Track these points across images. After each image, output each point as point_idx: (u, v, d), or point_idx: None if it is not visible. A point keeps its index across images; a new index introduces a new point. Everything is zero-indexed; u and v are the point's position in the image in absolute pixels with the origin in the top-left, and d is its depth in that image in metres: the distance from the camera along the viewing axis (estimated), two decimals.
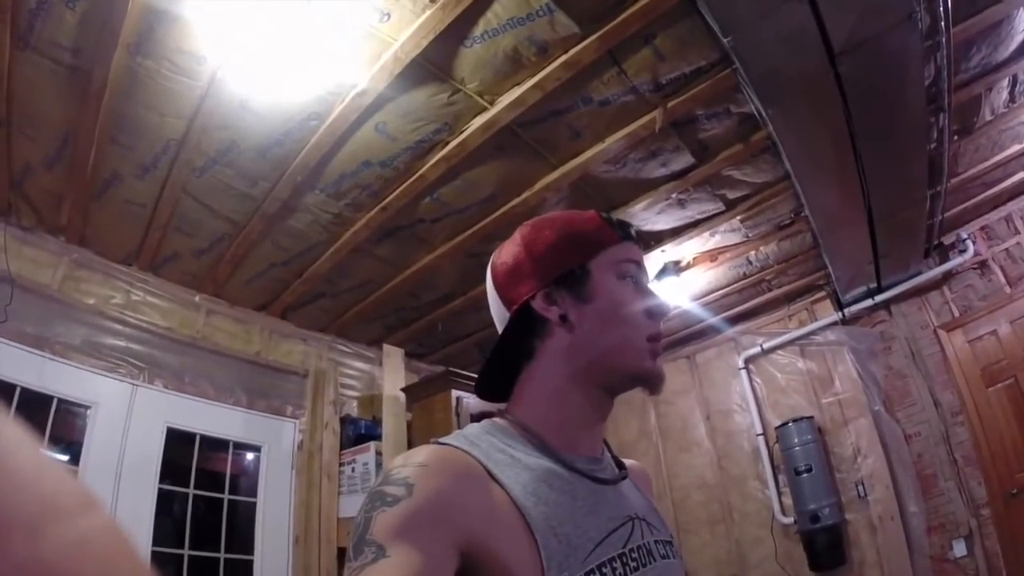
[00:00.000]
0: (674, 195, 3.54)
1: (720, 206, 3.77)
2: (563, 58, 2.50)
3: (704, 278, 4.61)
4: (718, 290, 4.87)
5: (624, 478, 0.92)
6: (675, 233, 3.94)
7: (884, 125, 2.82)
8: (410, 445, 4.06)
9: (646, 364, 0.89)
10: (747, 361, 5.24)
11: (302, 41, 2.28)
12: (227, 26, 2.20)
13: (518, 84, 2.62)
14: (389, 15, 2.23)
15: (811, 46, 2.33)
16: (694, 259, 4.32)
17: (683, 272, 4.38)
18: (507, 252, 0.96)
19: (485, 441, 0.83)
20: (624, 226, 0.97)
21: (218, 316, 3.87)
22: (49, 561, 0.24)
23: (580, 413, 0.90)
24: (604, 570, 0.75)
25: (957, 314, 4.83)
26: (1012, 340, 4.65)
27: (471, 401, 4.06)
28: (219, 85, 2.42)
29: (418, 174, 2.98)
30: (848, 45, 2.38)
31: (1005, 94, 3.77)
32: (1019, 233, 4.80)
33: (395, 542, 0.65)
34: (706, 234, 4.01)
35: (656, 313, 0.92)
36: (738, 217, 3.89)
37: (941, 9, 2.81)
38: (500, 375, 0.95)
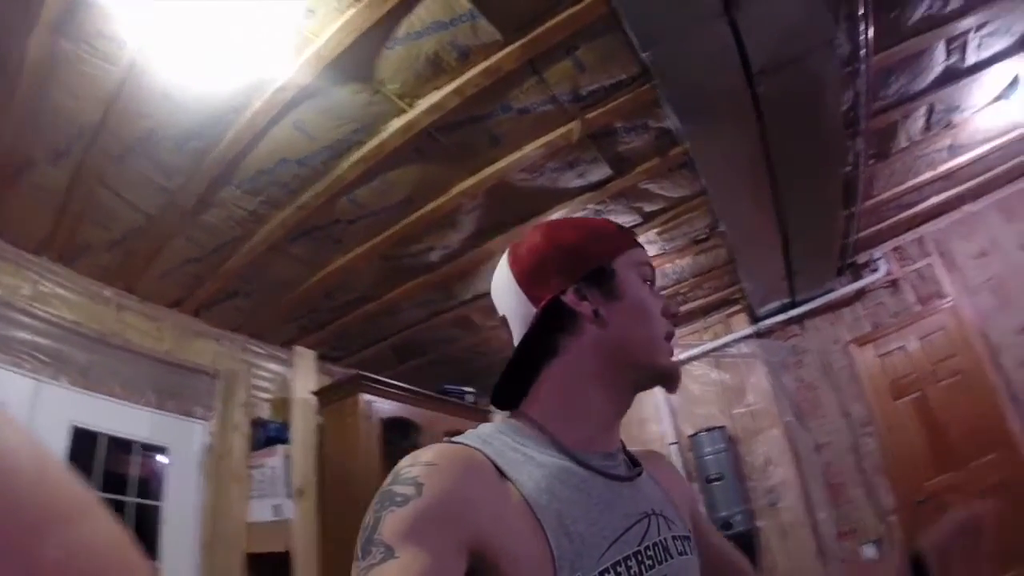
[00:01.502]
0: (591, 206, 3.53)
1: (637, 219, 3.79)
2: (484, 64, 2.48)
3: None
4: None
5: (640, 474, 0.91)
6: None
7: (800, 146, 2.87)
8: (320, 450, 4.01)
9: (667, 361, 0.92)
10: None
11: (224, 32, 2.20)
12: (149, 12, 2.10)
13: (438, 88, 2.58)
14: (313, 11, 2.17)
15: (730, 65, 2.34)
16: None
17: None
18: (529, 249, 0.96)
19: (498, 439, 0.83)
20: (634, 234, 1.01)
21: (129, 312, 3.68)
22: (62, 561, 0.25)
23: (601, 409, 0.90)
24: (619, 569, 0.75)
25: (868, 330, 4.97)
26: (920, 356, 4.85)
27: (383, 406, 4.01)
28: (139, 72, 2.30)
29: (336, 174, 2.92)
30: (767, 66, 2.40)
31: (921, 122, 3.90)
32: (930, 255, 5.00)
33: (403, 543, 0.65)
34: None
35: (670, 313, 0.95)
36: (655, 230, 3.93)
37: (862, 37, 2.90)
38: (517, 377, 0.95)
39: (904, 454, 4.71)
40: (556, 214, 3.52)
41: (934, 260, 5.01)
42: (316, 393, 4.18)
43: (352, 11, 2.17)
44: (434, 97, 2.60)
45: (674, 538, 0.85)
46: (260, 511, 3.74)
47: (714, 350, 5.27)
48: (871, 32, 2.91)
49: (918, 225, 5.10)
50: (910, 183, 4.48)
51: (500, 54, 2.44)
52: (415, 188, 3.14)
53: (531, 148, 2.98)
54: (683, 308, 5.22)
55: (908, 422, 4.76)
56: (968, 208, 5.02)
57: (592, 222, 1.00)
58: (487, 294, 3.39)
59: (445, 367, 5.19)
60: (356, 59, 2.37)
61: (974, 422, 4.57)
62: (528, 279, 0.93)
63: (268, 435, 3.95)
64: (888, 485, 4.68)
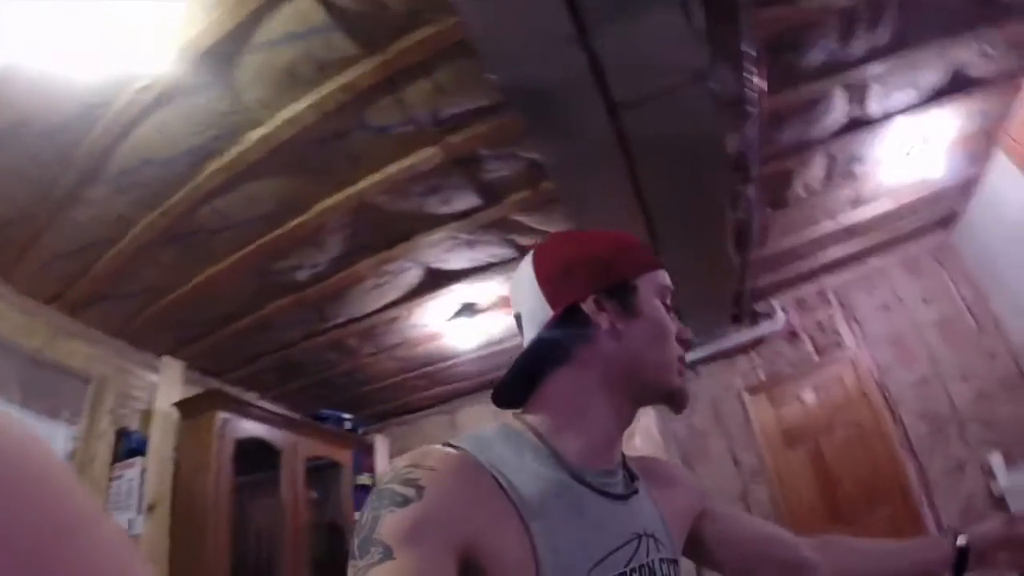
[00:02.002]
0: (462, 235, 3.43)
1: (512, 252, 3.68)
2: (341, 80, 2.39)
3: (502, 322, 4.51)
4: (517, 335, 4.72)
5: (635, 492, 0.90)
6: (467, 274, 3.84)
7: (677, 188, 2.73)
8: (177, 465, 3.76)
9: (678, 382, 0.92)
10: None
11: (92, 25, 2.06)
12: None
13: (296, 101, 2.48)
14: (179, 11, 2.06)
15: (587, 96, 2.18)
16: (493, 303, 4.20)
17: (480, 314, 4.26)
18: (556, 252, 0.96)
19: (497, 447, 0.82)
20: (659, 256, 1.00)
21: (2, 303, 3.41)
22: (80, 564, 0.26)
23: (604, 423, 0.90)
24: None
25: (763, 378, 4.92)
26: (816, 406, 4.88)
27: (243, 426, 3.79)
28: (7, 61, 2.15)
29: (196, 181, 2.79)
30: (630, 99, 2.25)
31: (820, 171, 3.81)
32: (831, 307, 5.00)
33: (402, 545, 0.65)
34: (501, 278, 3.90)
35: (684, 339, 0.95)
36: None
37: (753, 78, 2.76)
38: (522, 378, 0.94)
39: (796, 504, 4.65)
40: (425, 240, 3.43)
41: (835, 312, 5.03)
42: (177, 406, 3.93)
43: (214, 14, 2.08)
44: (293, 110, 2.50)
45: (661, 560, 0.85)
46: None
47: None
48: (763, 73, 2.77)
49: (820, 276, 5.11)
50: (810, 234, 4.41)
51: (357, 70, 2.37)
52: (278, 202, 3.02)
53: (392, 170, 2.88)
54: None
55: (801, 472, 4.73)
56: (872, 262, 5.03)
57: (621, 236, 0.99)
58: (361, 318, 3.22)
59: (326, 390, 5.00)
60: (219, 62, 2.27)
61: (869, 474, 4.56)
62: (549, 281, 0.93)
63: (130, 446, 3.72)
64: None
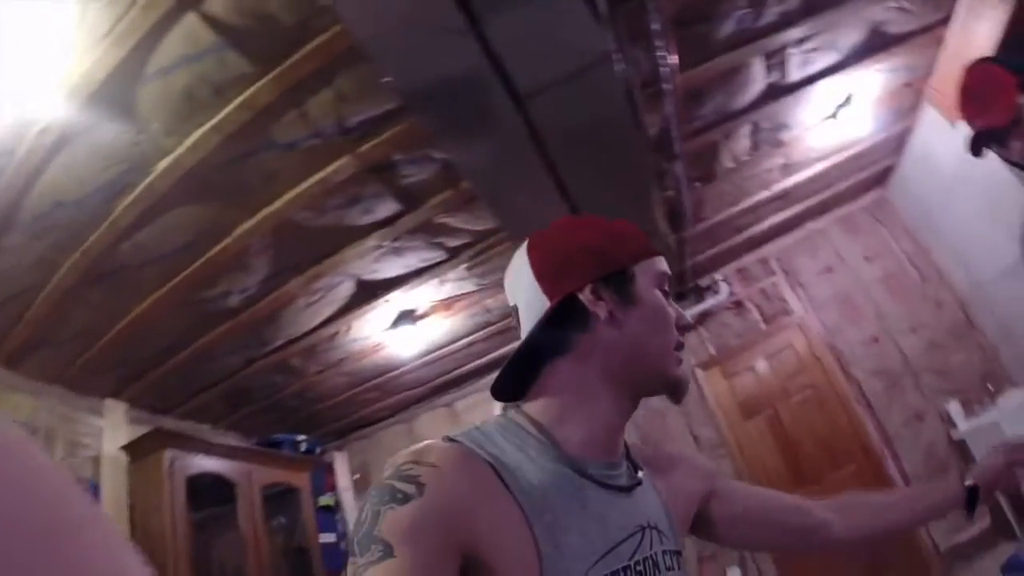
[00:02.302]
0: (387, 243, 3.37)
1: (442, 254, 3.64)
2: (239, 99, 2.33)
3: (443, 326, 4.48)
4: (461, 338, 4.78)
5: (639, 483, 0.89)
6: (400, 282, 3.78)
7: (597, 171, 2.67)
8: (132, 508, 3.62)
9: (679, 371, 0.91)
10: (505, 408, 5.07)
11: None
12: None
13: (199, 126, 2.41)
14: (69, 49, 1.99)
15: (490, 89, 2.11)
16: (430, 307, 4.15)
17: (419, 321, 4.20)
18: (550, 243, 0.95)
19: (499, 440, 0.82)
20: (654, 243, 0.99)
21: None
22: (81, 563, 0.26)
23: (604, 413, 0.88)
24: None
25: (714, 352, 4.93)
26: (769, 374, 4.92)
27: (192, 462, 3.68)
28: None
29: (111, 217, 2.72)
30: (534, 87, 2.18)
31: (746, 141, 3.79)
32: (774, 274, 5.03)
33: (403, 543, 0.64)
34: (435, 282, 3.87)
35: (683, 326, 0.94)
36: (464, 266, 3.77)
37: (661, 55, 2.71)
38: (521, 370, 0.92)
39: (760, 472, 4.67)
40: (352, 252, 3.36)
41: (778, 279, 5.06)
42: (124, 449, 3.82)
43: (103, 46, 2.01)
44: (196, 135, 2.44)
45: (664, 552, 0.85)
46: None
47: None
48: (674, 49, 2.73)
49: (760, 245, 5.15)
50: (744, 204, 4.41)
51: (254, 88, 2.30)
52: (197, 231, 2.94)
53: (307, 185, 2.81)
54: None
55: (761, 441, 4.77)
56: (810, 226, 5.06)
57: (616, 224, 0.97)
58: (300, 337, 3.09)
59: (278, 414, 4.91)
60: (115, 97, 2.20)
61: (830, 435, 4.63)
62: (546, 272, 0.91)
63: None
64: None
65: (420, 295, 3.97)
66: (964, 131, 3.68)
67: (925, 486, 1.20)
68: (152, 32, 2.00)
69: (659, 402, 4.71)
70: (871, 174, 4.84)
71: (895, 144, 4.56)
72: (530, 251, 0.95)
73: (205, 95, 2.28)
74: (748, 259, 5.14)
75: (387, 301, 3.90)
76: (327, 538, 4.55)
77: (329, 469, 5.18)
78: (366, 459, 5.54)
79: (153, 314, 3.38)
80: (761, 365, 4.89)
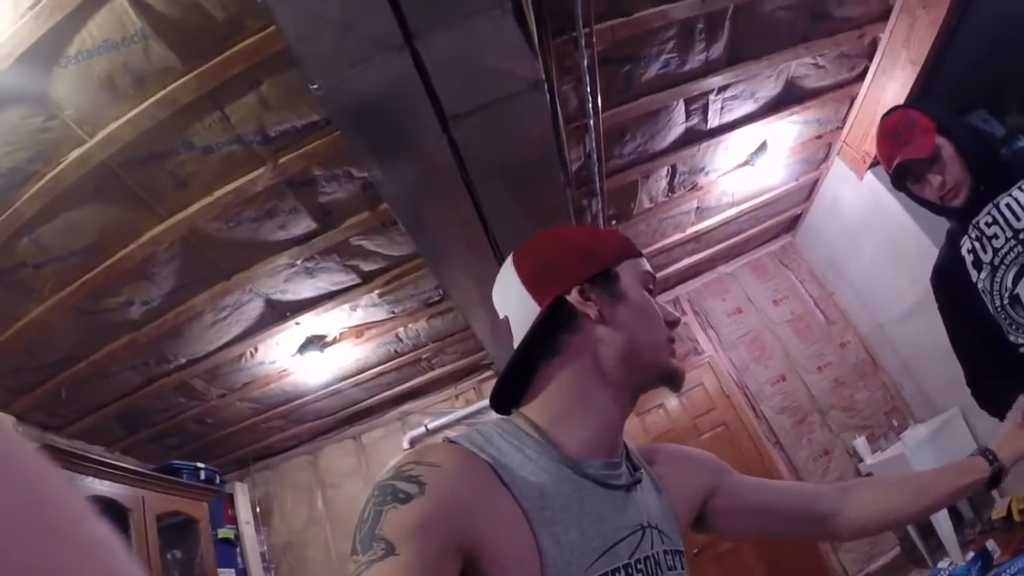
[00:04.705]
0: (299, 262, 3.28)
1: (355, 278, 3.58)
2: (160, 94, 2.25)
3: (352, 355, 4.38)
4: (371, 368, 4.68)
5: (638, 481, 0.89)
6: (311, 304, 3.68)
7: (517, 201, 2.66)
8: None
9: (673, 362, 0.92)
10: (412, 442, 5.07)
11: None
12: None
13: (116, 118, 2.30)
14: None
15: (418, 105, 2.08)
16: (340, 334, 4.06)
17: (328, 347, 4.09)
18: (535, 250, 0.96)
19: (498, 442, 0.82)
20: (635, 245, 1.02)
21: None
22: (74, 559, 0.26)
23: (601, 412, 0.88)
24: None
25: None
26: (680, 412, 5.05)
27: (82, 482, 3.41)
28: None
29: (12, 208, 2.54)
30: (463, 108, 2.16)
31: (664, 183, 3.90)
32: (685, 314, 5.18)
33: (404, 541, 0.65)
34: (346, 307, 3.78)
35: (671, 321, 0.95)
36: (376, 291, 3.71)
37: (588, 90, 2.76)
38: (516, 377, 0.93)
39: None
40: (262, 270, 3.25)
41: (690, 319, 5.22)
42: None
43: (23, 21, 1.91)
44: (111, 127, 2.32)
45: (666, 552, 0.85)
46: None
47: (465, 417, 5.07)
48: (598, 86, 2.79)
49: (673, 286, 5.33)
50: (658, 244, 4.53)
51: (176, 83, 2.23)
52: (102, 232, 2.80)
53: (221, 193, 2.72)
54: (429, 375, 5.08)
55: None
56: (722, 269, 5.27)
57: (598, 230, 1.03)
58: (204, 357, 2.92)
59: (178, 439, 4.66)
60: (29, 75, 2.08)
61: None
62: (533, 278, 0.93)
63: None
64: None
65: (330, 320, 3.88)
66: (870, 182, 3.99)
67: (949, 468, 1.17)
68: (79, 10, 1.93)
69: None
70: (781, 220, 5.08)
71: (805, 193, 4.80)
72: (516, 260, 0.97)
73: (125, 85, 2.20)
74: (660, 299, 5.16)
75: (297, 324, 3.80)
76: (227, 573, 4.32)
77: (229, 500, 4.94)
78: (269, 490, 5.31)
79: (48, 321, 3.19)
80: (672, 403, 4.99)
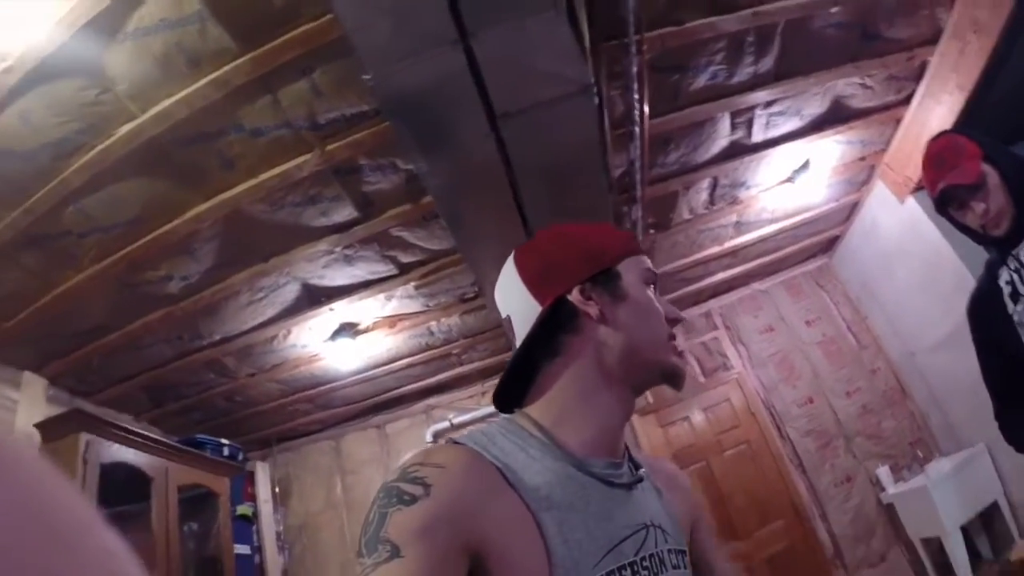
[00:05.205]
0: (338, 249, 3.30)
1: (392, 269, 3.59)
2: (214, 75, 2.27)
3: (384, 344, 4.41)
4: (401, 359, 4.70)
5: (640, 481, 0.89)
6: (346, 292, 3.71)
7: (559, 203, 2.67)
8: None
9: (675, 359, 0.91)
10: (435, 435, 5.06)
11: None
12: None
13: (168, 96, 2.32)
14: None
15: (467, 101, 2.10)
16: (373, 323, 4.08)
17: (360, 335, 4.12)
18: (536, 249, 0.97)
19: (502, 442, 0.82)
20: (638, 241, 1.02)
21: None
22: (84, 565, 0.26)
23: (604, 411, 0.88)
24: None
25: (651, 400, 4.97)
26: (704, 426, 4.97)
27: (109, 450, 3.47)
28: None
29: (61, 177, 2.58)
30: (512, 107, 2.19)
31: (704, 195, 3.88)
32: (717, 328, 5.13)
33: (410, 543, 0.65)
34: (381, 296, 3.81)
35: (673, 318, 0.94)
36: (412, 283, 3.73)
37: (635, 96, 2.76)
38: (519, 376, 0.93)
39: None
40: (302, 254, 3.28)
41: (720, 334, 5.18)
42: (38, 426, 3.58)
43: None
44: (163, 104, 2.35)
45: (669, 551, 0.85)
46: None
47: (492, 415, 5.00)
48: (646, 93, 2.78)
49: (706, 299, 5.29)
50: (695, 256, 4.51)
51: (230, 65, 2.25)
52: (146, 206, 2.83)
53: (267, 176, 2.74)
54: (457, 371, 5.09)
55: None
56: (756, 285, 5.21)
57: (598, 226, 1.00)
58: (237, 336, 2.96)
59: (202, 414, 4.72)
60: (87, 49, 2.11)
61: (760, 490, 4.69)
62: (534, 278, 0.93)
63: None
64: None
65: (364, 309, 3.90)
66: (911, 207, 3.94)
67: None
68: None
69: None
70: (819, 240, 5.03)
71: (845, 214, 4.74)
72: (518, 260, 0.97)
73: (180, 64, 2.23)
74: (693, 312, 5.24)
75: (331, 310, 3.82)
76: (242, 549, 4.37)
77: (250, 478, 5.00)
78: (289, 472, 5.37)
79: (87, 289, 3.24)
80: (697, 417, 4.95)
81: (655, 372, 0.91)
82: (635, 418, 4.93)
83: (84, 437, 3.36)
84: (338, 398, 5.04)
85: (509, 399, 0.96)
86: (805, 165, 3.93)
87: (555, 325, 0.90)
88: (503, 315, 0.98)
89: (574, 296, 0.90)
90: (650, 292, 0.95)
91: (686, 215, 3.99)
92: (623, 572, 0.76)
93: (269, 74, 2.30)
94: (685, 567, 0.88)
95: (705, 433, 4.90)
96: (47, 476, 0.27)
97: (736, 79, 3.10)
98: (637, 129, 2.91)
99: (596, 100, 2.33)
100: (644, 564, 0.79)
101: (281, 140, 2.60)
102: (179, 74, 2.26)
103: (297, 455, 5.47)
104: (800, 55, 3.09)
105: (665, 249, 4.30)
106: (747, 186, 3.96)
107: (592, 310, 0.89)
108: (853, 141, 3.88)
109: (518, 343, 0.93)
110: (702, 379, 5.03)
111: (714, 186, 3.83)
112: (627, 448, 0.94)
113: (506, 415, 0.92)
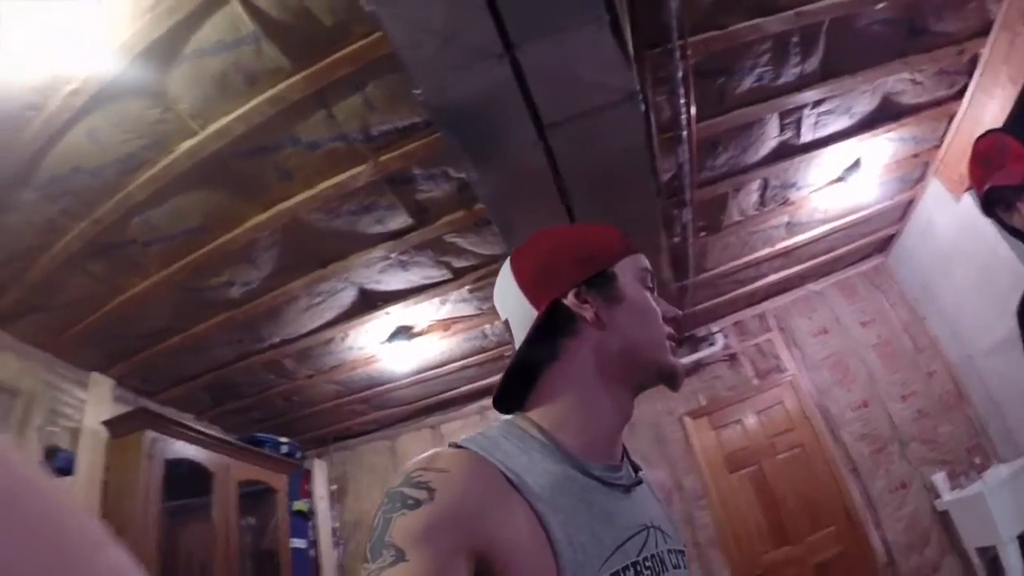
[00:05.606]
0: (394, 255, 3.40)
1: (446, 274, 3.67)
2: (270, 92, 2.36)
3: (438, 347, 4.48)
4: (455, 361, 4.77)
5: (639, 483, 0.90)
6: (402, 296, 3.80)
7: (608, 209, 2.71)
8: (106, 485, 3.59)
9: (672, 360, 0.92)
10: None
11: (21, 25, 2.00)
12: None
13: (227, 113, 2.44)
14: (113, 16, 2.01)
15: (515, 112, 2.16)
16: (428, 326, 4.16)
17: (415, 338, 4.21)
18: (532, 253, 0.97)
19: (504, 445, 0.82)
20: (633, 241, 1.01)
21: None
22: None
23: (603, 414, 0.89)
24: None
25: (704, 403, 4.94)
26: (757, 429, 4.88)
27: (173, 447, 3.65)
28: None
29: (126, 190, 2.72)
30: (559, 116, 2.24)
31: (755, 197, 3.85)
32: (770, 331, 5.07)
33: (414, 547, 0.65)
34: (436, 300, 3.88)
35: (671, 317, 0.95)
36: (467, 287, 3.79)
37: (681, 101, 2.78)
38: (518, 380, 0.94)
39: (740, 528, 4.66)
40: (358, 260, 3.38)
41: (774, 336, 5.10)
42: (105, 424, 3.78)
43: (144, 20, 2.04)
44: (221, 121, 2.46)
45: (670, 551, 0.86)
46: None
47: None
48: (692, 98, 2.80)
49: (759, 301, 5.21)
50: (747, 258, 4.46)
51: (286, 83, 2.34)
52: (208, 216, 2.96)
53: (323, 187, 2.85)
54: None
55: (744, 495, 4.73)
56: (810, 287, 5.13)
57: (595, 228, 1.00)
58: (296, 339, 3.09)
59: (261, 413, 4.88)
60: (149, 71, 2.23)
61: (813, 495, 4.60)
62: (530, 282, 0.93)
63: (59, 465, 3.54)
64: (723, 559, 4.62)
65: (419, 312, 3.98)
66: (967, 205, 3.84)
67: None
68: (196, 13, 2.04)
69: (644, 447, 4.78)
70: (873, 240, 4.92)
71: (899, 213, 4.64)
72: (513, 264, 0.98)
73: (237, 83, 2.32)
74: (746, 313, 5.19)
75: (387, 314, 3.91)
76: (298, 543, 4.51)
77: (307, 475, 5.15)
78: (346, 470, 5.50)
79: (152, 294, 3.39)
80: (750, 420, 4.90)
81: (653, 373, 0.92)
82: (687, 420, 4.93)
83: (149, 434, 3.53)
84: (393, 399, 5.14)
85: (510, 401, 0.96)
86: (856, 164, 3.87)
87: (552, 329, 0.91)
88: (501, 319, 0.98)
89: (569, 300, 0.90)
90: (647, 292, 0.95)
91: (737, 217, 3.97)
92: (627, 573, 0.77)
93: (323, 90, 2.38)
94: (685, 567, 0.89)
95: (758, 436, 4.84)
96: (55, 496, 0.28)
97: (782, 80, 3.07)
98: (684, 133, 2.92)
99: (642, 106, 2.36)
100: (647, 564, 0.80)
101: (336, 152, 2.68)
102: (237, 92, 2.36)
103: (353, 454, 5.60)
104: (846, 53, 3.04)
105: (717, 251, 4.27)
106: (798, 187, 3.92)
107: (587, 313, 0.89)
108: (905, 138, 3.80)
109: (516, 346, 0.93)
110: (755, 381, 4.97)
111: (764, 187, 3.80)
112: (626, 451, 0.95)
113: (507, 418, 0.92)
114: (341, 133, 2.60)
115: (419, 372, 4.75)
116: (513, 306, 0.95)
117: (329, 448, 5.62)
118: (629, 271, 0.94)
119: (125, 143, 2.51)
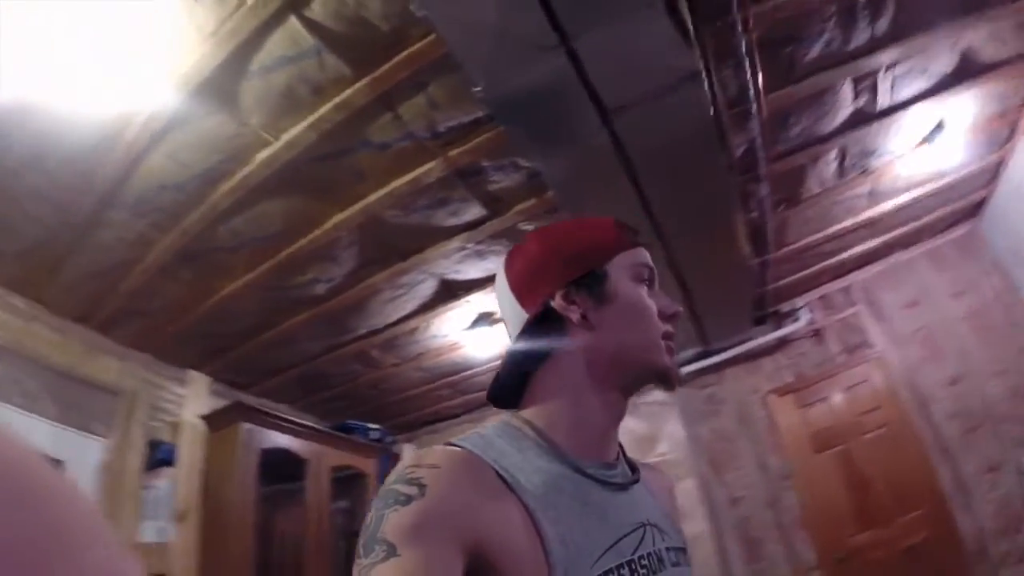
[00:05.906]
0: (471, 245, 3.48)
1: None
2: (336, 100, 2.45)
3: None
4: None
5: (636, 482, 0.91)
6: (481, 284, 3.88)
7: (681, 189, 2.71)
8: (206, 477, 3.89)
9: (665, 360, 0.91)
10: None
11: (94, 60, 2.15)
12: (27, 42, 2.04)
13: (296, 123, 2.57)
14: (178, 45, 2.15)
15: (577, 100, 2.18)
16: None
17: (497, 324, 4.25)
18: (523, 255, 0.98)
19: (498, 443, 0.83)
20: (635, 233, 0.99)
21: (37, 323, 3.56)
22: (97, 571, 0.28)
23: (594, 414, 0.90)
24: None
25: (789, 380, 4.83)
26: (844, 408, 4.72)
27: (267, 437, 3.90)
28: (23, 96, 2.25)
29: (209, 201, 2.90)
30: (622, 101, 2.25)
31: (834, 167, 3.74)
32: (856, 304, 4.87)
33: (406, 542, 0.65)
34: None
35: (669, 314, 0.94)
36: None
37: (748, 75, 2.73)
38: (512, 380, 0.95)
39: (826, 509, 4.54)
40: (436, 252, 3.50)
41: (860, 310, 4.88)
42: (203, 418, 4.07)
43: (209, 44, 2.16)
44: (293, 131, 2.58)
45: (667, 549, 0.86)
46: (148, 532, 3.69)
47: None
48: (759, 70, 2.75)
49: (845, 274, 4.99)
50: (829, 231, 4.33)
51: (350, 89, 2.42)
52: (288, 220, 3.11)
53: (396, 185, 2.95)
54: None
55: (830, 476, 4.60)
56: (897, 257, 4.90)
57: (589, 224, 0.99)
58: (382, 329, 3.25)
59: (351, 401, 5.10)
60: (219, 91, 2.36)
61: (901, 476, 4.42)
62: (520, 284, 0.95)
63: (161, 457, 3.86)
64: (808, 541, 4.51)
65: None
66: None
67: None
68: (256, 33, 2.13)
69: (728, 426, 4.72)
70: (962, 206, 4.66)
71: (988, 176, 4.39)
72: (506, 267, 0.99)
73: (304, 94, 2.42)
74: (830, 287, 5.00)
75: (468, 302, 4.01)
76: None
77: (395, 459, 5.32)
78: None
79: (241, 295, 3.57)
80: (836, 398, 4.74)
81: (645, 374, 0.92)
82: (772, 398, 4.83)
83: (244, 426, 3.75)
84: (478, 384, 5.23)
85: (504, 399, 0.98)
86: (939, 126, 3.68)
87: (542, 330, 0.92)
88: (500, 318, 0.98)
89: (556, 301, 0.90)
90: (643, 290, 0.94)
91: (816, 189, 3.85)
92: (621, 571, 0.77)
93: (387, 93, 2.45)
94: (684, 564, 0.89)
95: (844, 414, 4.67)
96: (55, 488, 0.28)
97: (853, 44, 2.95)
98: (754, 107, 2.87)
99: (706, 84, 2.34)
100: (642, 563, 0.80)
101: (406, 150, 2.77)
102: (304, 102, 2.46)
103: (441, 437, 5.54)
104: (918, 11, 2.88)
105: (797, 225, 4.15)
106: (878, 154, 3.77)
107: (574, 315, 0.90)
108: (989, 96, 3.59)
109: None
110: (842, 358, 4.80)
111: (843, 156, 3.67)
112: (622, 449, 0.96)
113: (504, 418, 0.93)
114: (408, 132, 2.68)
115: (501, 357, 4.78)
116: (507, 308, 0.97)
117: (417, 432, 5.79)
118: (622, 268, 0.94)
119: (204, 159, 2.66)
